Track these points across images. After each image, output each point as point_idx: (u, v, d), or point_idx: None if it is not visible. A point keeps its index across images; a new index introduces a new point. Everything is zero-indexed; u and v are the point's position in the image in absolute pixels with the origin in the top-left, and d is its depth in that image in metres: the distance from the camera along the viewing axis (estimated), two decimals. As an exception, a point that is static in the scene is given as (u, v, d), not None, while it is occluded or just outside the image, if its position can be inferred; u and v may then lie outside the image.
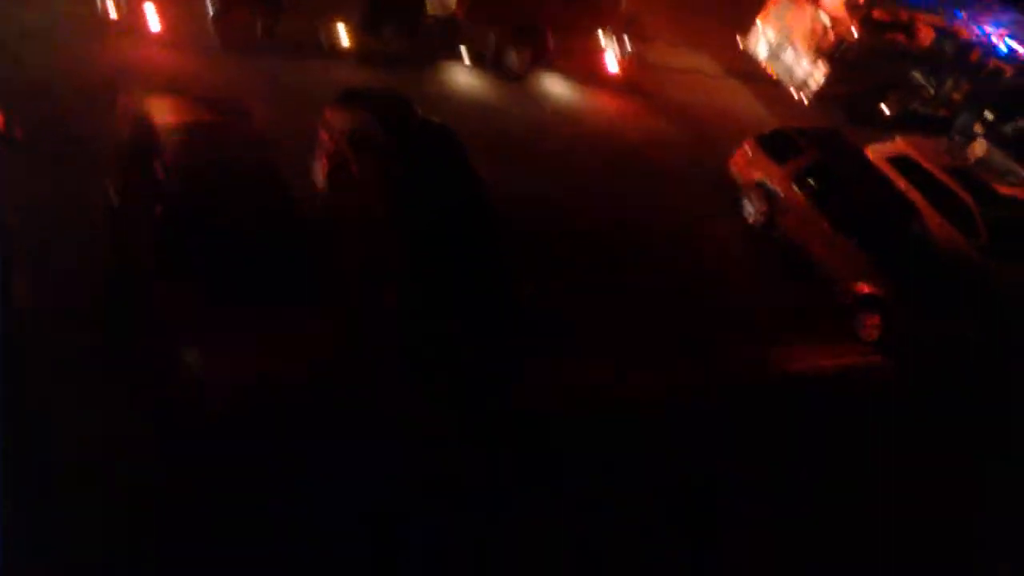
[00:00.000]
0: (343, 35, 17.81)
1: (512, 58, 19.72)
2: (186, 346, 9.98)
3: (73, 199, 12.21)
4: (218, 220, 10.84)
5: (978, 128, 24.04)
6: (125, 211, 11.78)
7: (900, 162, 19.85)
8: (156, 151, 11.32)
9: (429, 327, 11.98)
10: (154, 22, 16.10)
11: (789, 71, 23.94)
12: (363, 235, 13.06)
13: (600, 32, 20.48)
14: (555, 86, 20.58)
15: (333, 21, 17.67)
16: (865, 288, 16.37)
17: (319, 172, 14.40)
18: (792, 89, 23.79)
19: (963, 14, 25.89)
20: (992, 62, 25.11)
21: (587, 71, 20.80)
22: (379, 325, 11.94)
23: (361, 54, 18.07)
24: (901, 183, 19.14)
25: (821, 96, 23.46)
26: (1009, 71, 25.17)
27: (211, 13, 16.39)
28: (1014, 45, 25.82)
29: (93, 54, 15.49)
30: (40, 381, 9.97)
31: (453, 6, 19.06)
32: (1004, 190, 20.50)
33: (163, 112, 11.88)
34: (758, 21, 24.72)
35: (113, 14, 15.76)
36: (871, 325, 16.33)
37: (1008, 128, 24.24)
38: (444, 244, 12.50)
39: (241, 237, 10.87)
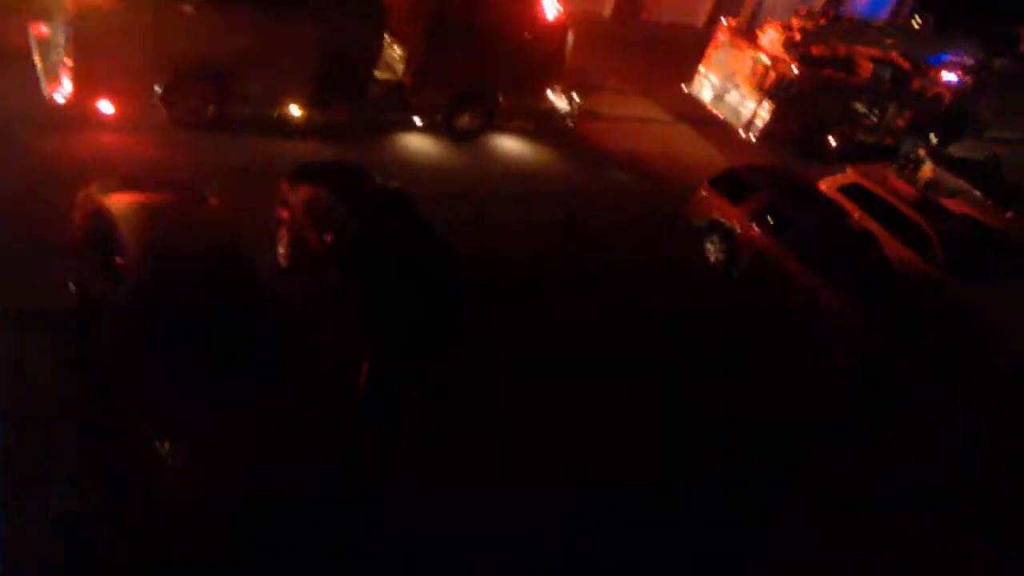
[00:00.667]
0: (293, 110, 17.81)
1: (463, 120, 19.86)
2: (157, 435, 9.72)
3: (33, 293, 11.93)
4: (181, 302, 10.68)
5: (922, 152, 24.60)
6: (84, 299, 11.58)
7: (852, 191, 20.22)
8: (113, 238, 11.17)
9: (403, 396, 11.86)
10: (104, 105, 16.00)
11: (735, 112, 24.46)
12: (330, 308, 12.91)
13: (548, 88, 20.68)
14: (507, 144, 20.76)
15: (282, 97, 17.63)
16: (831, 316, 16.48)
17: (280, 248, 14.29)
18: (739, 129, 24.25)
19: (899, 43, 26.72)
20: (931, 88, 25.83)
21: (538, 127, 20.99)
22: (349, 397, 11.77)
23: (312, 127, 18.10)
24: (855, 212, 19.46)
25: (768, 134, 23.96)
26: (948, 96, 25.87)
27: (159, 92, 16.29)
28: (949, 69, 26.60)
29: (43, 143, 15.32)
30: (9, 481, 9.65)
31: (400, 73, 19.21)
32: (957, 209, 20.97)
33: (118, 198, 11.75)
34: (701, 67, 25.30)
35: (60, 99, 15.62)
36: (840, 352, 16.40)
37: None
38: (411, 309, 12.38)
39: (205, 319, 10.72)
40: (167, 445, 9.63)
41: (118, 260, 10.98)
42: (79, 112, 15.93)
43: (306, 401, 10.92)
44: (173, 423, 9.84)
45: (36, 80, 15.99)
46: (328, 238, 13.21)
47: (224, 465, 10.00)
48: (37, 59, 16.27)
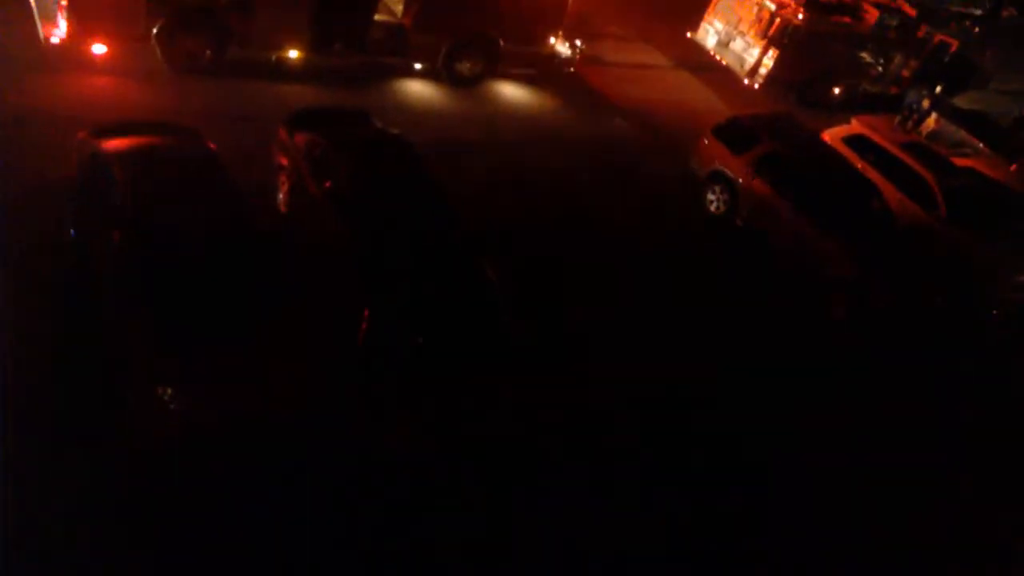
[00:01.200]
0: (292, 53, 17.56)
1: (463, 65, 19.62)
2: (155, 379, 9.75)
3: (31, 235, 11.88)
4: (178, 241, 10.65)
5: (927, 103, 24.37)
6: (84, 242, 11.55)
7: (856, 142, 20.07)
8: (109, 179, 11.11)
9: (401, 344, 11.86)
10: (98, 47, 15.77)
11: (739, 59, 24.18)
12: (329, 254, 12.86)
13: (550, 34, 20.40)
14: (508, 90, 20.54)
15: (281, 40, 17.35)
16: (831, 268, 16.47)
17: (279, 193, 14.20)
18: (744, 76, 23.98)
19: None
20: (937, 37, 25.50)
21: (539, 73, 20.75)
22: (347, 347, 11.77)
23: (312, 71, 17.87)
24: (858, 163, 19.34)
25: (772, 82, 23.71)
26: (955, 45, 25.54)
27: (154, 31, 16.04)
28: (957, 19, 26.26)
29: (38, 86, 15.15)
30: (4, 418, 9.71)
31: (400, 15, 18.93)
32: (959, 162, 20.83)
33: (113, 140, 11.68)
34: (707, 14, 24.95)
35: (55, 40, 15.40)
36: (839, 305, 16.42)
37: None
38: (408, 255, 12.34)
39: (204, 256, 10.70)
40: (168, 390, 9.65)
41: (116, 203, 10.91)
42: (75, 54, 15.73)
43: (306, 346, 10.94)
44: (175, 366, 9.85)
45: (32, 21, 15.73)
46: (327, 184, 13.12)
47: (225, 409, 10.07)
48: (33, 1, 16.01)
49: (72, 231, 11.93)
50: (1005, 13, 38.00)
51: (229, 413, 10.10)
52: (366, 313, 11.66)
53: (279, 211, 14.16)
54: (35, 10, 15.84)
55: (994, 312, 17.70)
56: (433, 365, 11.97)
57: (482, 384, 12.21)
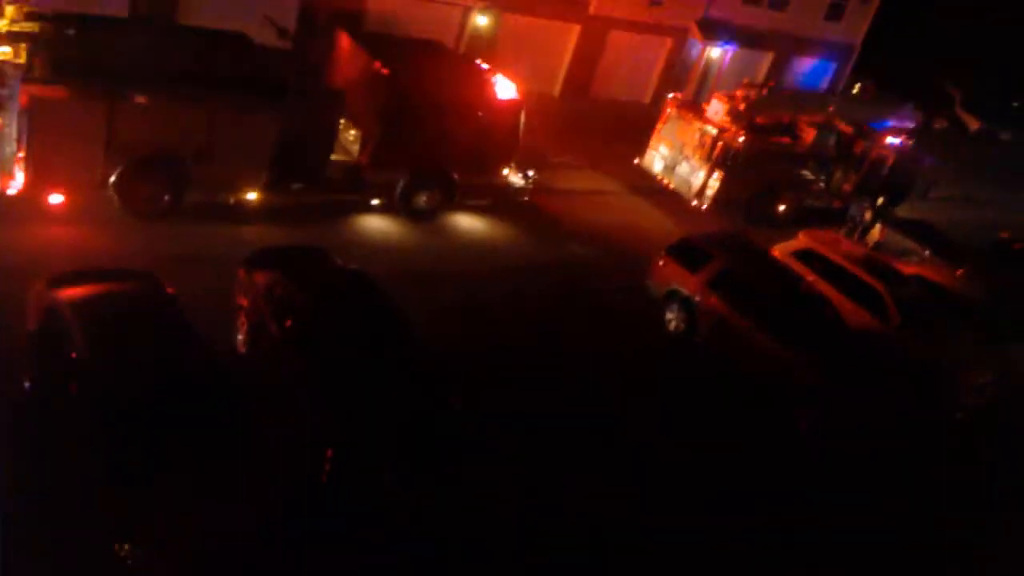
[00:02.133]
0: (250, 195, 17.79)
1: (420, 199, 20.00)
2: (118, 536, 9.44)
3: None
4: (135, 389, 10.48)
5: (868, 215, 25.25)
6: (39, 397, 11.34)
7: (805, 256, 20.62)
8: (66, 329, 10.99)
9: (366, 481, 11.68)
10: (55, 196, 15.89)
11: (686, 182, 24.98)
12: (287, 395, 12.74)
13: (503, 166, 20.95)
14: (465, 221, 20.92)
15: (239, 183, 17.63)
16: (794, 379, 16.62)
17: (238, 334, 14.14)
18: (691, 198, 24.70)
19: (840, 109, 27.60)
20: (875, 151, 26.61)
21: (495, 203, 21.21)
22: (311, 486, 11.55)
23: (270, 212, 18.09)
24: (809, 275, 19.80)
25: (719, 202, 24.49)
26: (891, 158, 26.65)
27: (113, 181, 16.21)
28: (890, 132, 27.48)
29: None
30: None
31: (356, 154, 19.36)
32: (907, 269, 21.43)
33: (69, 289, 11.61)
34: (651, 141, 25.89)
35: (11, 191, 15.50)
36: (806, 418, 16.51)
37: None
38: (372, 392, 12.25)
39: (163, 403, 10.52)
40: (125, 546, 9.33)
41: (72, 354, 10.78)
42: (32, 204, 15.79)
43: (268, 489, 10.70)
44: (131, 520, 9.55)
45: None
46: (287, 323, 13.10)
47: (185, 562, 9.73)
48: (-11, 152, 16.17)
49: (27, 383, 11.71)
50: (937, 125, 39.96)
51: (189, 564, 9.74)
52: (329, 453, 11.49)
53: (238, 352, 14.06)
54: (-8, 164, 15.98)
55: (958, 416, 17.89)
56: (398, 500, 11.76)
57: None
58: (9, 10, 15.84)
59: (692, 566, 12.77)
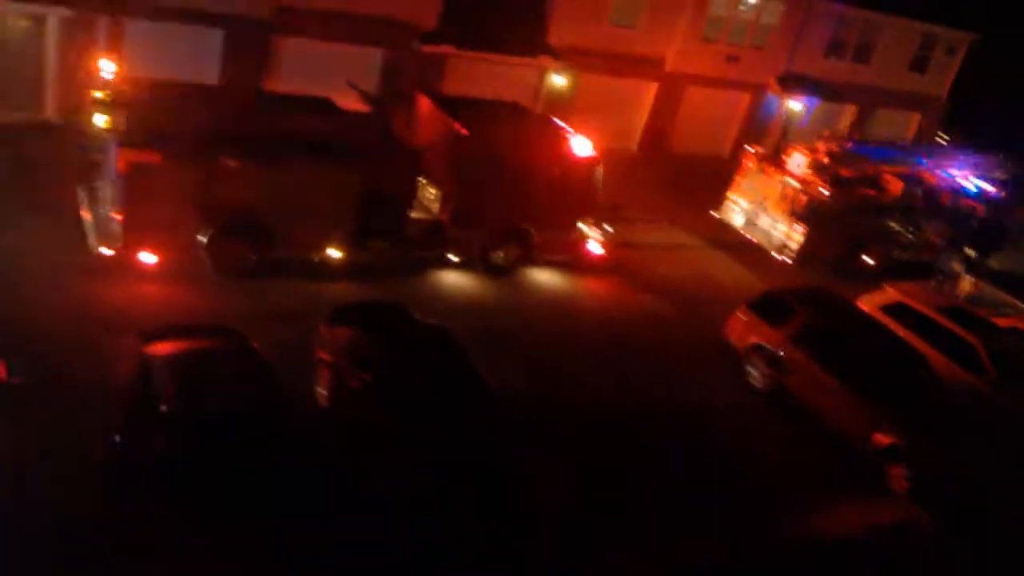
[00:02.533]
0: (334, 253, 18.18)
1: (499, 255, 20.16)
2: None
3: (75, 445, 11.96)
4: (223, 444, 10.69)
5: (957, 267, 24.47)
6: (127, 448, 11.64)
7: (895, 309, 20.02)
8: (156, 383, 11.30)
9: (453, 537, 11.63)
10: (148, 256, 16.48)
11: (767, 236, 24.62)
12: (373, 449, 12.81)
13: (581, 222, 21.00)
14: (543, 277, 20.95)
15: (323, 242, 18.04)
16: (885, 439, 16.02)
17: (320, 388, 14.34)
18: (773, 252, 24.31)
19: (927, 161, 26.96)
20: (963, 202, 25.88)
21: (573, 259, 21.22)
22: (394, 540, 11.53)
23: (353, 269, 18.44)
24: (899, 330, 19.19)
25: (803, 256, 24.00)
26: (981, 209, 25.87)
27: (203, 242, 16.75)
28: (980, 184, 26.70)
29: (90, 294, 15.70)
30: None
31: (436, 212, 19.67)
32: (1002, 322, 20.62)
33: (160, 344, 11.97)
34: (730, 193, 25.67)
35: (108, 252, 16.12)
36: (898, 476, 15.87)
37: None
38: (455, 452, 12.22)
39: (245, 468, 10.69)
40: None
41: (162, 409, 11.06)
42: (126, 263, 16.40)
43: (351, 548, 10.74)
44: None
45: (83, 234, 16.55)
46: (367, 378, 13.23)
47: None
48: (85, 214, 16.91)
49: (116, 437, 12.03)
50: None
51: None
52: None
53: (321, 405, 14.24)
54: (89, 226, 16.68)
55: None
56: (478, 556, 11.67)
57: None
58: (109, 79, 16.73)
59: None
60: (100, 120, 16.08)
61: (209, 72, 23.37)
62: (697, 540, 13.45)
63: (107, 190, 16.34)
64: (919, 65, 36.75)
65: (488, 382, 13.48)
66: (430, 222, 19.60)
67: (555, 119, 22.96)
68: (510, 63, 27.78)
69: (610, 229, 21.45)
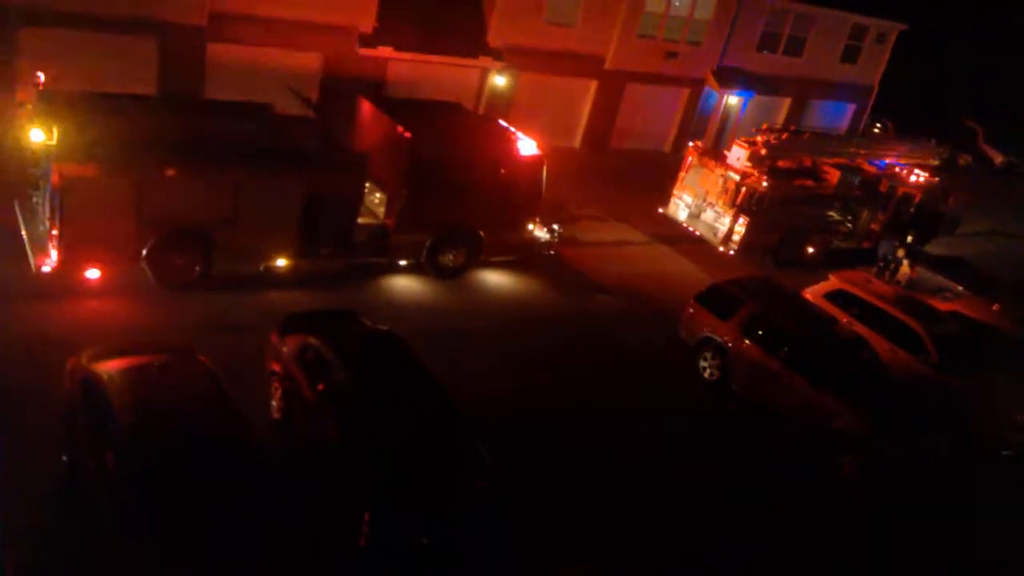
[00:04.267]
0: (279, 262, 17.95)
1: (447, 257, 20.09)
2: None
3: (21, 466, 11.66)
4: (174, 461, 10.46)
5: (900, 253, 25.03)
6: (76, 466, 11.35)
7: (838, 297, 20.41)
8: (102, 402, 11.04)
9: (405, 545, 11.53)
10: (90, 271, 16.10)
11: (711, 229, 24.94)
12: (327, 458, 12.66)
13: (527, 221, 21.03)
14: (492, 277, 20.95)
15: (268, 251, 17.81)
16: (833, 425, 16.32)
17: (272, 400, 14.14)
18: (717, 245, 24.63)
19: (862, 151, 27.54)
20: (901, 190, 26.48)
21: (520, 258, 21.25)
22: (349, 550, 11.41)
23: (299, 277, 18.22)
24: (843, 317, 19.57)
25: (746, 247, 24.38)
26: (918, 195, 26.49)
27: (144, 254, 16.42)
28: (916, 171, 27.35)
29: (29, 313, 15.30)
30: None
31: (382, 216, 19.53)
32: (942, 306, 21.15)
33: (105, 363, 11.68)
34: (674, 189, 25.94)
35: (46, 268, 15.71)
36: (847, 462, 16.17)
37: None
38: (408, 453, 12.14)
39: (197, 476, 10.48)
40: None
41: (109, 427, 10.80)
42: (66, 280, 16.01)
43: (307, 557, 10.60)
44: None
45: (23, 254, 16.11)
46: (320, 387, 13.09)
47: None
48: (24, 232, 16.46)
49: (64, 456, 11.74)
50: (961, 161, 39.78)
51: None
52: (367, 516, 11.37)
53: (273, 417, 14.04)
54: (27, 242, 16.25)
55: (1004, 454, 17.45)
56: (437, 562, 11.60)
57: None
58: (40, 92, 16.30)
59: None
60: (34, 134, 15.63)
61: (146, 82, 22.94)
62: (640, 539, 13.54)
63: (45, 205, 15.91)
64: (850, 56, 37.52)
65: (440, 383, 13.41)
66: (376, 227, 19.46)
67: (498, 119, 22.98)
68: (451, 64, 27.73)
69: (557, 228, 21.55)
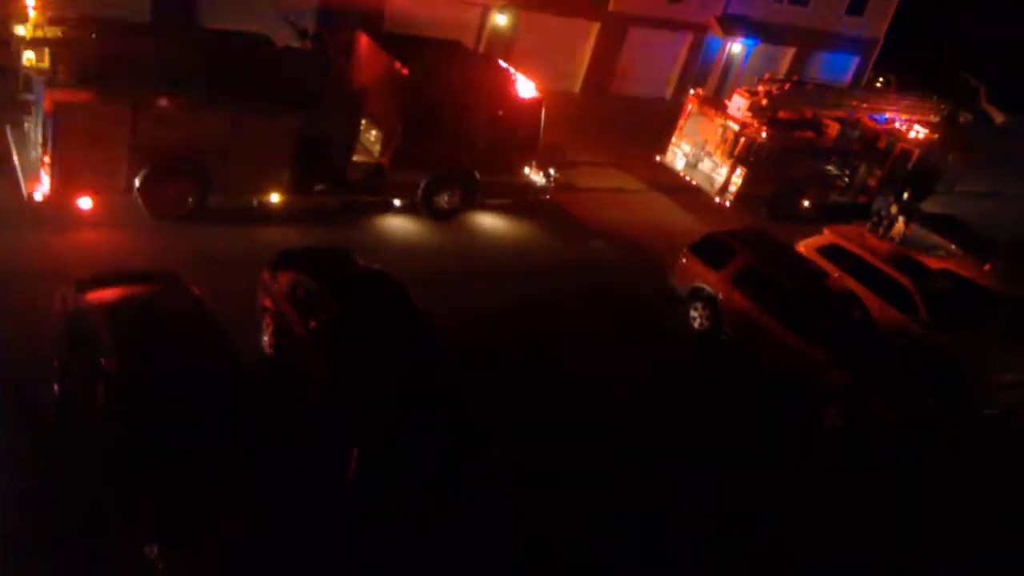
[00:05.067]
0: (273, 197, 17.82)
1: (442, 199, 19.98)
2: (145, 540, 9.46)
3: (12, 397, 11.69)
4: (164, 391, 10.49)
5: (894, 210, 24.99)
6: (68, 397, 11.39)
7: (831, 252, 20.43)
8: (93, 332, 11.03)
9: (391, 481, 11.67)
10: (83, 200, 15.98)
11: (708, 179, 24.81)
12: (317, 394, 12.74)
13: (524, 164, 20.88)
14: (487, 220, 20.88)
15: (262, 185, 17.65)
16: (821, 377, 16.46)
17: (264, 336, 14.17)
18: (714, 195, 24.53)
19: (864, 104, 27.30)
20: (899, 146, 26.32)
21: (516, 202, 21.15)
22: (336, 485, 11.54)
23: (293, 213, 18.12)
24: (835, 272, 19.61)
25: (742, 198, 24.26)
26: (916, 152, 26.35)
27: (137, 184, 16.27)
28: (916, 126, 27.17)
29: (20, 242, 15.22)
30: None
31: (377, 155, 19.36)
32: (934, 264, 21.19)
33: (96, 292, 11.65)
34: (673, 138, 25.73)
35: (39, 196, 15.58)
36: (834, 414, 16.35)
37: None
38: (396, 392, 12.23)
39: (190, 412, 10.52)
40: (155, 548, 9.35)
41: (101, 358, 10.81)
42: (59, 209, 15.89)
43: (296, 491, 10.72)
44: (160, 523, 9.58)
45: (14, 180, 15.95)
46: (312, 323, 13.11)
47: (214, 567, 9.74)
48: (15, 158, 16.29)
49: (56, 386, 11.78)
50: (962, 119, 39.52)
51: (218, 563, 9.76)
52: (355, 452, 11.48)
53: (264, 353, 14.08)
54: (18, 169, 16.09)
55: (988, 412, 17.62)
56: (424, 499, 11.75)
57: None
58: (33, 16, 15.96)
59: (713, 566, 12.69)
60: (26, 58, 15.37)
61: (140, 8, 22.50)
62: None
63: (37, 133, 15.72)
64: (857, 6, 37.01)
65: (432, 324, 13.45)
66: (372, 165, 19.30)
67: (497, 59, 22.67)
68: (452, 1, 27.26)
69: (554, 173, 21.40)
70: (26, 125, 16.62)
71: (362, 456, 11.47)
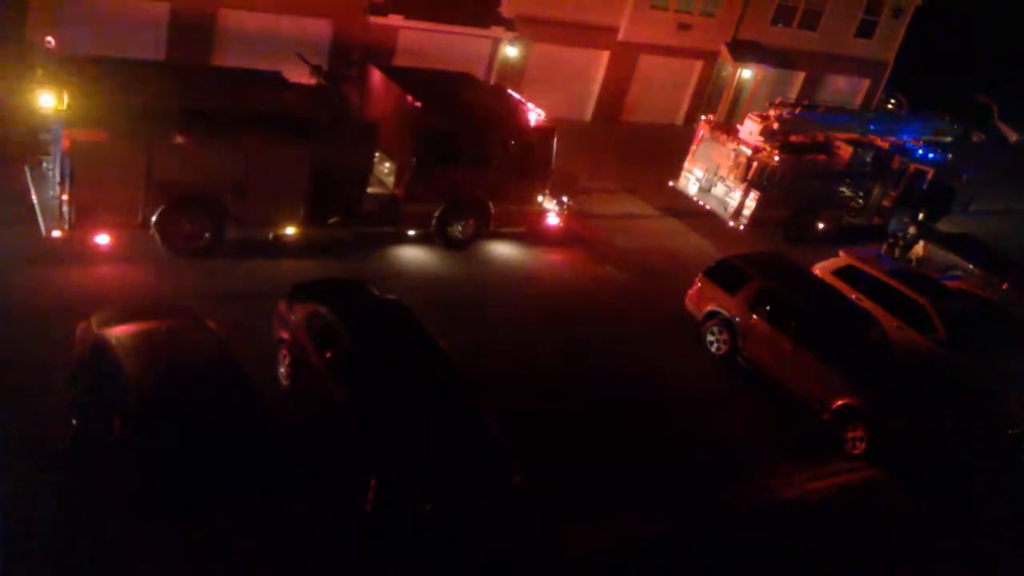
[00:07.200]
0: (288, 230, 17.96)
1: (455, 228, 20.07)
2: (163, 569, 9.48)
3: (30, 429, 11.76)
4: (181, 426, 10.54)
5: (912, 230, 24.90)
6: (85, 432, 11.44)
7: (847, 273, 20.35)
8: (110, 367, 11.11)
9: (410, 511, 11.63)
10: (101, 237, 16.15)
11: (722, 203, 24.82)
12: (334, 424, 12.76)
13: (537, 192, 20.96)
14: (501, 248, 20.93)
15: (277, 219, 17.82)
16: (839, 401, 16.34)
17: (280, 367, 14.22)
18: (727, 219, 24.53)
19: (876, 126, 27.29)
20: (912, 166, 26.26)
21: (529, 230, 21.22)
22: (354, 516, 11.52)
23: (308, 246, 18.24)
24: (852, 293, 19.52)
25: (756, 222, 24.24)
26: (930, 172, 26.28)
27: (154, 220, 16.45)
28: (929, 147, 27.12)
29: (40, 278, 15.38)
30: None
31: (391, 186, 19.51)
32: (951, 284, 21.07)
33: (114, 328, 11.75)
34: (685, 163, 25.79)
35: (57, 234, 15.75)
36: (854, 438, 16.21)
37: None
38: (413, 420, 12.23)
39: (206, 441, 10.57)
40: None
41: (117, 393, 10.88)
42: (77, 246, 16.06)
43: (313, 520, 10.72)
44: (177, 555, 9.58)
45: (34, 219, 16.14)
46: (328, 354, 13.16)
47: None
48: (34, 197, 16.50)
49: (73, 420, 11.85)
50: (975, 139, 39.43)
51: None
52: (373, 482, 11.46)
53: (281, 384, 14.13)
54: (37, 207, 16.30)
55: (1010, 432, 17.42)
56: (442, 529, 11.70)
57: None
58: (49, 55, 16.26)
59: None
60: (44, 99, 15.61)
61: (156, 48, 22.88)
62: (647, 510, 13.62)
63: (55, 170, 15.94)
64: (866, 30, 37.10)
65: (446, 353, 13.47)
66: (386, 197, 19.44)
67: (508, 90, 22.85)
68: (462, 34, 27.54)
69: (567, 200, 21.46)
70: (44, 164, 16.85)
71: (379, 485, 11.45)
